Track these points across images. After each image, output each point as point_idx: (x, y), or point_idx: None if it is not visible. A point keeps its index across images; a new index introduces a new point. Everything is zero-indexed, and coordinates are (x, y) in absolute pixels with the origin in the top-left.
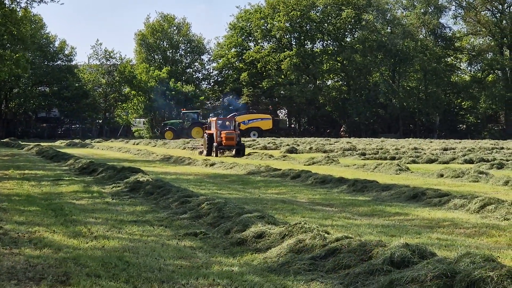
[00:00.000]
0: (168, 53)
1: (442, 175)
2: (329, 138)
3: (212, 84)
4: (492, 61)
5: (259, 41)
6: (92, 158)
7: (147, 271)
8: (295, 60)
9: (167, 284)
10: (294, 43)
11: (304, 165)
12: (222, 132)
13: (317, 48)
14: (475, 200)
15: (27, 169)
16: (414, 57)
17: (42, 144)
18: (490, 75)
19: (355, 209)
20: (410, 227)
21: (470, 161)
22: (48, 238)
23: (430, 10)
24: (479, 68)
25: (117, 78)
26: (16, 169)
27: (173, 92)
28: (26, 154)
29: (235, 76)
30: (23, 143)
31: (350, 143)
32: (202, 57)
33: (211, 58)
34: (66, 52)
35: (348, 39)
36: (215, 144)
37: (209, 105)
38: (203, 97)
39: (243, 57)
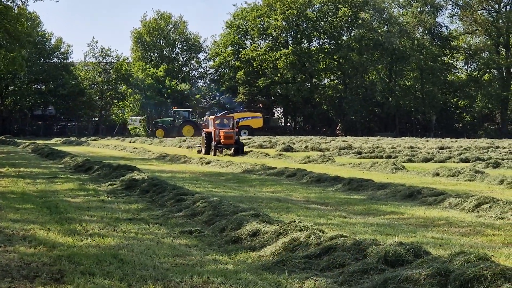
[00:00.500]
0: (164, 51)
1: (438, 174)
2: (325, 137)
3: (208, 82)
4: (488, 60)
5: (255, 39)
6: (88, 156)
7: (142, 269)
8: (291, 59)
9: (162, 282)
10: (290, 42)
11: (300, 163)
12: (220, 130)
13: (314, 47)
14: (470, 199)
15: (22, 166)
16: (411, 55)
17: (37, 141)
18: (486, 74)
19: (350, 207)
20: (405, 226)
21: (466, 160)
22: (43, 236)
23: (427, 9)
24: (475, 67)
25: (113, 76)
26: (12, 167)
27: (169, 91)
28: (21, 152)
29: (231, 74)
30: (18, 140)
31: (346, 141)
32: (198, 55)
33: (208, 57)
34: (62, 49)
35: (344, 38)
36: (213, 142)
37: (205, 103)
38: (199, 95)
39: (240, 55)
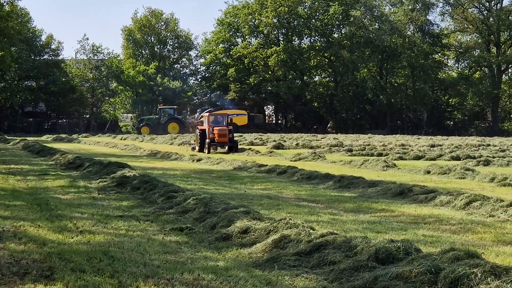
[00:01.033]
0: (155, 49)
1: (429, 172)
2: (316, 134)
3: (199, 79)
4: (479, 58)
5: (246, 37)
6: (78, 153)
7: (132, 266)
8: (282, 56)
9: (152, 279)
10: (281, 39)
11: (291, 161)
12: (214, 128)
13: (305, 44)
14: (461, 197)
15: (12, 163)
16: (402, 53)
17: (28, 138)
18: (477, 72)
19: (341, 205)
20: (396, 223)
21: (457, 158)
22: (33, 233)
23: (418, 6)
24: (466, 65)
25: (105, 73)
26: (2, 164)
27: (161, 88)
28: (12, 149)
29: (222, 72)
30: (9, 137)
31: (337, 139)
32: (189, 52)
33: (199, 54)
34: (53, 46)
35: (335, 35)
36: (207, 140)
37: (197, 100)
38: (190, 93)
39: (231, 52)
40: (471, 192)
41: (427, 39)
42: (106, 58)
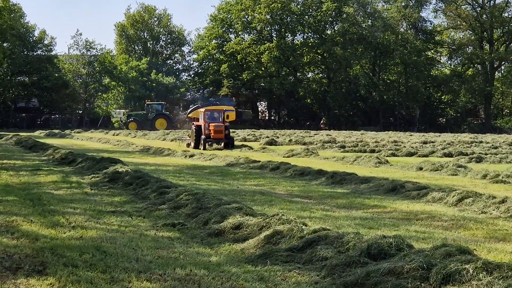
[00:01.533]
0: (148, 44)
1: (421, 168)
2: (309, 131)
3: (192, 75)
4: (472, 55)
5: (239, 33)
6: (71, 148)
7: (125, 261)
8: (275, 53)
9: (144, 274)
10: (274, 35)
11: (284, 157)
12: (210, 124)
13: (298, 41)
14: (453, 193)
15: (5, 159)
16: (395, 50)
17: (21, 134)
18: (470, 69)
19: (333, 201)
20: (388, 219)
21: (449, 155)
22: (26, 228)
23: (411, 3)
24: (459, 62)
25: (98, 68)
26: None
27: (154, 84)
28: (4, 144)
29: (215, 67)
30: (1, 133)
31: (330, 135)
32: (182, 48)
33: (192, 50)
34: (46, 42)
35: (328, 32)
36: (203, 136)
37: (190, 96)
38: (183, 89)
39: (224, 48)
40: (463, 188)
41: (420, 36)
42: (99, 53)
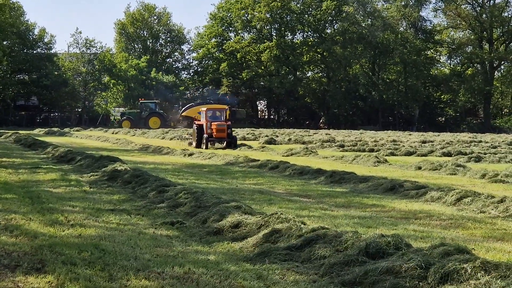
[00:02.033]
0: (148, 43)
1: (420, 168)
2: (308, 130)
3: (192, 74)
4: (472, 55)
5: (239, 31)
6: (70, 146)
7: (123, 259)
8: (275, 51)
9: (143, 273)
10: (274, 34)
11: (283, 156)
12: (212, 123)
13: (297, 40)
14: (452, 193)
15: (4, 156)
16: (394, 49)
17: (20, 132)
18: (470, 69)
19: (332, 200)
20: (387, 218)
21: (448, 154)
22: (25, 226)
23: (411, 3)
24: (458, 61)
25: (97, 67)
26: None
27: (153, 82)
28: (4, 142)
29: (215, 66)
30: (1, 131)
31: (329, 134)
32: (182, 47)
33: (191, 48)
34: (46, 40)
35: (328, 31)
36: (205, 135)
37: (189, 95)
38: (183, 87)
39: (223, 47)
40: (462, 188)
41: (420, 35)
42: (99, 52)
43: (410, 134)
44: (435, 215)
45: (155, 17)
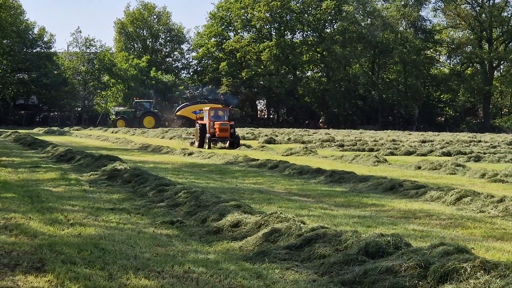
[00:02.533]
0: (148, 42)
1: (419, 167)
2: (307, 129)
3: (191, 73)
4: (471, 55)
5: (239, 31)
6: (70, 145)
7: (123, 258)
8: (274, 51)
9: (143, 272)
10: (274, 34)
11: (282, 155)
12: (215, 123)
13: (297, 39)
14: (452, 192)
15: (4, 156)
16: (394, 49)
17: (19, 131)
18: (469, 68)
19: (332, 199)
20: (386, 218)
21: (448, 154)
22: (24, 225)
23: (411, 2)
24: (458, 61)
25: (97, 66)
26: None
27: (153, 81)
28: (3, 141)
29: (214, 65)
30: (0, 130)
31: (329, 134)
32: (181, 46)
33: (191, 48)
34: (45, 39)
35: (328, 30)
36: (208, 135)
37: (188, 94)
38: (182, 87)
39: (223, 46)
40: (461, 187)
41: (419, 35)
42: (99, 51)
43: (409, 134)
44: (435, 214)
45: (154, 17)
